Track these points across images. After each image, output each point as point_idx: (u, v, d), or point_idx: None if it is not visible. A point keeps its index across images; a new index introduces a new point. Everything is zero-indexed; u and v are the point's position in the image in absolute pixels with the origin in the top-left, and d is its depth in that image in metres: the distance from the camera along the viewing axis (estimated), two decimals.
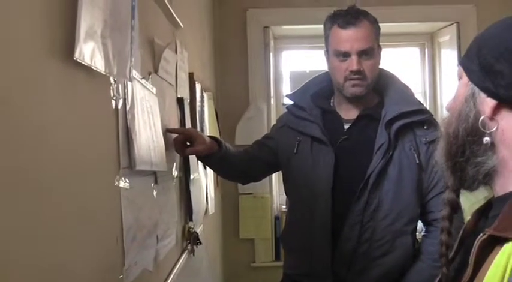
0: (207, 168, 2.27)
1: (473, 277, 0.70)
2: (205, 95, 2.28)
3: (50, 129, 0.74)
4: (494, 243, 0.69)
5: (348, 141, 1.65)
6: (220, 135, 2.72)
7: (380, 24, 1.67)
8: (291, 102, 1.80)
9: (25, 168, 0.67)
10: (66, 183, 0.79)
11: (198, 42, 2.39)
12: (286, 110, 1.86)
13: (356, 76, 1.60)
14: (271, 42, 3.13)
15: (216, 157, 1.71)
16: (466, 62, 0.81)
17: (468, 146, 0.78)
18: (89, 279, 0.87)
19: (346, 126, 1.68)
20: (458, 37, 3.05)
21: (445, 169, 0.85)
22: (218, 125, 2.70)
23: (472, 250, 0.71)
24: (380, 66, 1.69)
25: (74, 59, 0.77)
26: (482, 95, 0.76)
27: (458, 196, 0.88)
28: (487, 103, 0.76)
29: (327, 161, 1.63)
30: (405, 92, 1.70)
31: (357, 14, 1.62)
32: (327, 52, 1.69)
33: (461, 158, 0.79)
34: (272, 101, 3.14)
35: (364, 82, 1.62)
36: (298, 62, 3.45)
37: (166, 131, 1.50)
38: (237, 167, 1.81)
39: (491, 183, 0.79)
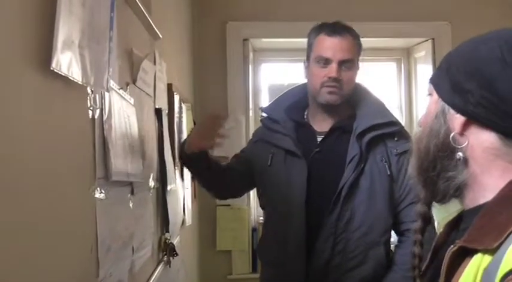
0: (185, 179, 2.27)
1: None
2: (183, 106, 2.29)
3: (26, 139, 0.74)
4: (464, 254, 0.71)
5: (321, 154, 1.67)
6: None
7: None
8: (266, 115, 1.83)
9: None
10: (40, 193, 0.78)
11: (177, 53, 2.39)
12: (260, 120, 1.89)
13: (333, 84, 1.64)
14: (251, 55, 3.15)
15: (203, 159, 1.70)
16: (436, 79, 0.84)
17: (439, 161, 0.80)
18: None
19: (319, 139, 1.71)
20: (434, 53, 3.12)
21: (417, 183, 0.87)
22: None
23: (444, 261, 0.73)
24: (357, 81, 1.73)
25: (51, 68, 0.77)
26: (452, 111, 0.79)
27: (430, 209, 0.90)
28: (457, 120, 0.78)
29: (300, 174, 1.65)
30: (378, 105, 1.73)
31: (343, 26, 1.68)
32: (307, 60, 1.72)
33: (432, 172, 0.82)
34: (251, 113, 3.15)
35: (340, 91, 1.65)
36: (277, 75, 3.48)
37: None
38: (216, 175, 1.79)
39: (462, 196, 0.81)
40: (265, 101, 3.35)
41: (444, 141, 0.79)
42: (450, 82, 0.79)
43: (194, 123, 2.64)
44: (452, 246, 0.73)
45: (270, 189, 1.74)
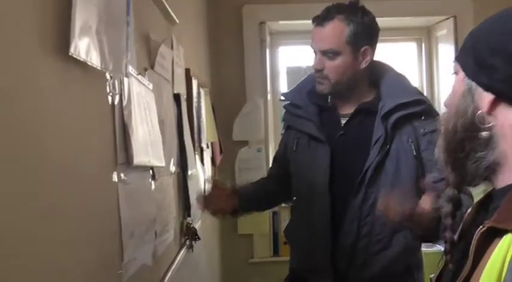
0: (205, 164, 2.28)
1: (473, 269, 0.70)
2: (201, 91, 2.28)
3: (47, 126, 0.74)
4: (493, 235, 0.69)
5: (345, 137, 1.66)
6: (217, 131, 2.72)
7: (376, 19, 1.66)
8: (288, 101, 1.82)
9: (21, 166, 0.67)
10: (63, 179, 0.79)
11: (194, 38, 2.38)
12: (282, 106, 1.89)
13: (317, 74, 1.66)
14: (268, 38, 3.12)
15: (241, 209, 1.77)
16: (461, 57, 0.82)
17: (467, 141, 0.78)
18: (88, 275, 0.88)
19: (343, 122, 1.69)
20: (455, 31, 3.05)
21: (446, 166, 0.85)
22: (215, 121, 2.70)
23: (472, 242, 0.72)
24: (374, 59, 1.69)
25: (70, 54, 0.77)
26: (480, 89, 0.76)
27: (460, 193, 0.87)
28: (485, 98, 0.76)
29: (323, 158, 1.64)
30: (401, 82, 1.70)
31: (332, 12, 1.62)
32: None
33: (461, 153, 0.79)
34: (269, 96, 3.14)
35: (326, 81, 1.64)
36: (295, 57, 3.45)
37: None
38: (263, 197, 1.86)
39: (492, 177, 0.79)
40: (283, 84, 3.33)
41: (472, 121, 0.77)
42: (475, 59, 0.77)
43: (213, 108, 2.65)
44: (481, 226, 0.71)
45: (296, 173, 1.75)
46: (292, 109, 1.78)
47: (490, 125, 0.75)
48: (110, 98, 1.02)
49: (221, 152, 2.84)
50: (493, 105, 0.75)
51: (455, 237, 0.87)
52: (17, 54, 0.67)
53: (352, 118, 1.68)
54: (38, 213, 0.70)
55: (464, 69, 0.80)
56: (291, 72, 3.34)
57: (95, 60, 0.85)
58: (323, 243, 1.63)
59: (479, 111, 0.76)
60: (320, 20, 1.63)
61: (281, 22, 3.15)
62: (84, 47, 0.81)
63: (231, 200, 1.72)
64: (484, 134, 0.76)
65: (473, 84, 0.78)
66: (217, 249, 2.91)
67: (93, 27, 0.84)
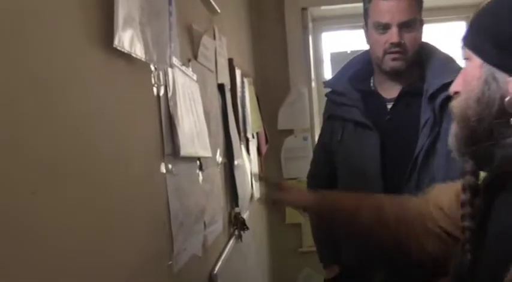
0: (251, 154, 2.28)
1: None
2: (245, 80, 2.27)
3: (94, 118, 0.75)
4: None
5: (393, 122, 1.61)
6: (262, 120, 2.71)
7: None
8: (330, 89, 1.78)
9: (71, 158, 0.67)
10: (111, 171, 0.79)
11: (235, 27, 2.37)
12: (324, 94, 1.84)
13: (396, 49, 1.55)
14: (310, 25, 3.08)
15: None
16: (473, 42, 0.77)
17: (496, 129, 0.75)
18: (139, 266, 0.88)
19: (389, 106, 1.63)
20: None
21: (463, 154, 0.82)
22: (260, 111, 2.69)
23: None
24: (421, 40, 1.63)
25: (114, 46, 0.77)
26: (504, 74, 0.72)
27: (478, 180, 0.86)
28: None
29: (372, 145, 1.59)
30: (448, 62, 1.62)
31: None
32: (365, 26, 1.64)
33: (488, 141, 0.76)
34: (313, 84, 3.09)
35: (405, 56, 1.56)
36: (339, 42, 3.38)
37: None
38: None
39: None
40: (327, 71, 3.28)
41: (500, 108, 0.73)
42: (493, 42, 0.73)
43: (257, 98, 2.63)
44: None
45: (344, 163, 1.71)
46: (335, 97, 1.73)
47: None
48: (155, 90, 1.02)
49: (267, 141, 2.82)
50: None
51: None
52: (63, 48, 0.67)
53: (398, 102, 1.62)
54: (87, 205, 0.71)
55: (480, 55, 0.75)
56: (335, 57, 3.27)
57: (139, 52, 0.85)
58: None
59: (508, 97, 0.72)
60: None
61: (323, 7, 3.09)
62: (128, 39, 0.80)
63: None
64: None
65: (495, 69, 0.73)
66: (266, 239, 2.91)
67: (136, 19, 0.84)
